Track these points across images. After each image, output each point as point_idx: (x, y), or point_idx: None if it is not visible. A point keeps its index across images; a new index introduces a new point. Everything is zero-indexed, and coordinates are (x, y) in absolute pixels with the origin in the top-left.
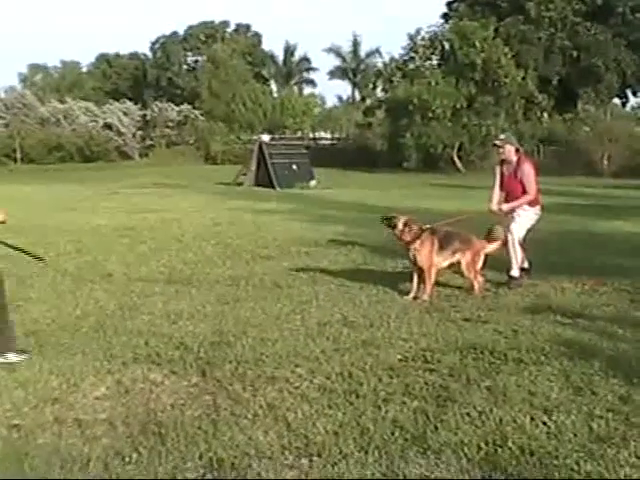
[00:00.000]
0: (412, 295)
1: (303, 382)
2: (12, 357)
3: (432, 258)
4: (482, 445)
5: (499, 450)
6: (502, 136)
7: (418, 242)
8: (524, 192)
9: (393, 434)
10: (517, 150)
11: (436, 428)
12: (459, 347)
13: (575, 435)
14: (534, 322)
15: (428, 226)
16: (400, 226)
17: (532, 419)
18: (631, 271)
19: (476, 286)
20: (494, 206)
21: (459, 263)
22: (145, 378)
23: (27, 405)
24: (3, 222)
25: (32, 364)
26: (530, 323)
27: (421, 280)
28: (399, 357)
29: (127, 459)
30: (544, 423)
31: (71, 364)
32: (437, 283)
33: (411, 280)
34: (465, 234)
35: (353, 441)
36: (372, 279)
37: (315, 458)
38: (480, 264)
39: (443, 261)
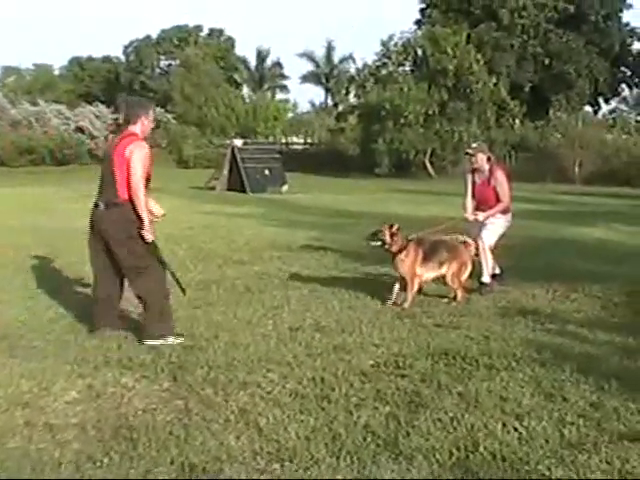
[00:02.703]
0: (392, 302)
1: (275, 387)
2: (171, 340)
3: (415, 269)
4: (454, 450)
5: (470, 456)
6: (474, 145)
7: (403, 253)
8: (497, 200)
9: (365, 439)
10: (489, 158)
11: (408, 433)
12: (431, 353)
13: (546, 441)
14: (505, 328)
15: (413, 236)
16: (387, 238)
17: (504, 425)
18: (602, 277)
19: (459, 295)
20: (470, 216)
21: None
22: (116, 382)
23: None
24: (164, 215)
25: (2, 367)
26: (501, 329)
27: (403, 288)
28: (371, 362)
29: (98, 463)
30: (515, 429)
31: (42, 367)
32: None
33: (396, 288)
34: (453, 243)
35: (325, 446)
36: (344, 284)
37: (287, 463)
38: (467, 274)
39: (428, 272)
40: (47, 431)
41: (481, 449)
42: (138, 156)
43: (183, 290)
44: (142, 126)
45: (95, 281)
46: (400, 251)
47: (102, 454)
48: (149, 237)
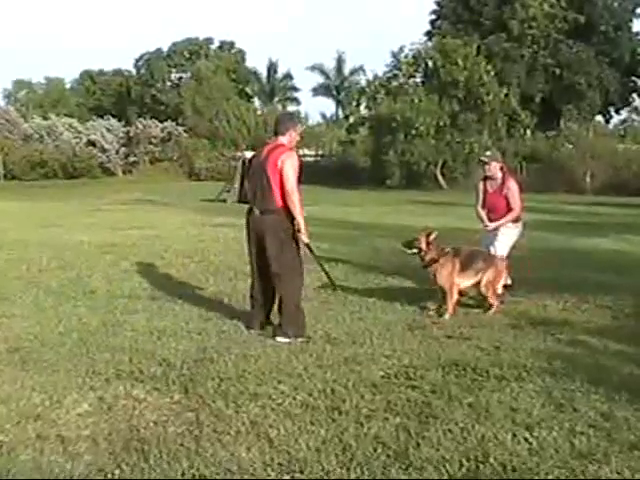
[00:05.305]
0: (432, 311)
1: (286, 399)
2: (301, 340)
3: (452, 279)
4: (464, 461)
5: (481, 466)
6: (488, 153)
7: (438, 264)
8: (509, 209)
9: (375, 450)
10: (502, 167)
11: (418, 444)
12: (441, 364)
13: (557, 451)
14: (516, 339)
15: (448, 249)
16: (424, 246)
17: (514, 435)
18: (613, 288)
19: (494, 305)
20: (489, 225)
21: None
22: (128, 395)
23: (9, 422)
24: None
25: (14, 380)
26: (512, 340)
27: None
28: (381, 374)
29: (110, 476)
30: (526, 439)
31: (54, 380)
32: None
33: (437, 297)
34: (488, 253)
35: (335, 457)
36: (355, 296)
37: (297, 475)
38: (501, 285)
39: (466, 281)
40: (59, 443)
41: (491, 460)
42: (290, 164)
43: (334, 285)
44: (289, 137)
45: (252, 282)
46: (433, 261)
47: (113, 466)
48: (305, 239)
